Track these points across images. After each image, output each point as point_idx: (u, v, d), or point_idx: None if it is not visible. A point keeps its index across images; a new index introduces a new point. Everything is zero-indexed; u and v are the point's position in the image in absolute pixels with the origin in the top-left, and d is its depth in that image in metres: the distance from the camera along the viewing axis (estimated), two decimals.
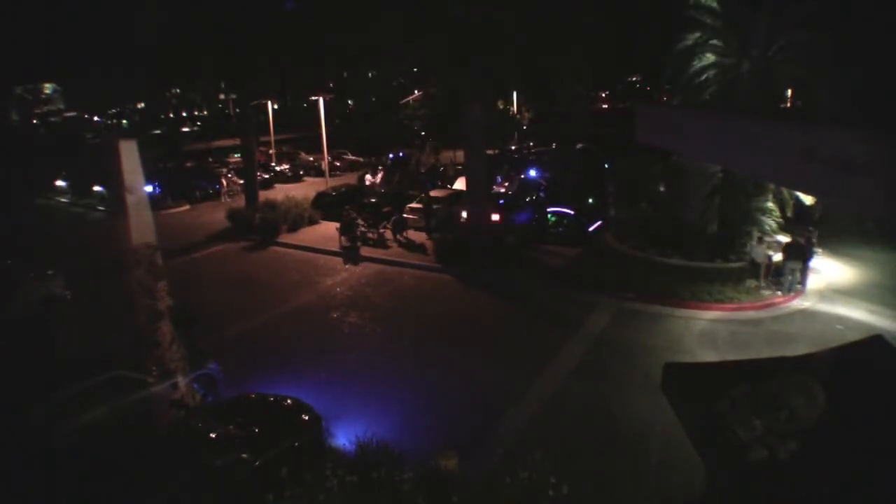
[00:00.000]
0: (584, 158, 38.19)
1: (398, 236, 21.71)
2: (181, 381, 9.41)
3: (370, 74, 41.45)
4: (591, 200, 24.63)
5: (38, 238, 24.42)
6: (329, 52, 25.73)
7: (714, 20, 17.21)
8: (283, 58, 25.11)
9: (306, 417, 9.03)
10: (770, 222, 17.73)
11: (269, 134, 44.09)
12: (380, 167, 37.56)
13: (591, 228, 21.81)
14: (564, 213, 22.12)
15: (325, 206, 26.49)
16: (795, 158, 10.18)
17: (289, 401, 9.42)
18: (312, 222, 25.33)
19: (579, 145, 44.29)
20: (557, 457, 7.69)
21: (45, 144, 52.98)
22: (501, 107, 59.99)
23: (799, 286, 15.67)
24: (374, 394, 11.17)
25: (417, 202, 24.65)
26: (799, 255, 15.42)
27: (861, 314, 14.29)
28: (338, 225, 22.22)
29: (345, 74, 41.85)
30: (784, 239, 17.02)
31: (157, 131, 59.43)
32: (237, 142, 34.87)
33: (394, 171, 35.67)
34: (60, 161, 38.85)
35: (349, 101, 63.75)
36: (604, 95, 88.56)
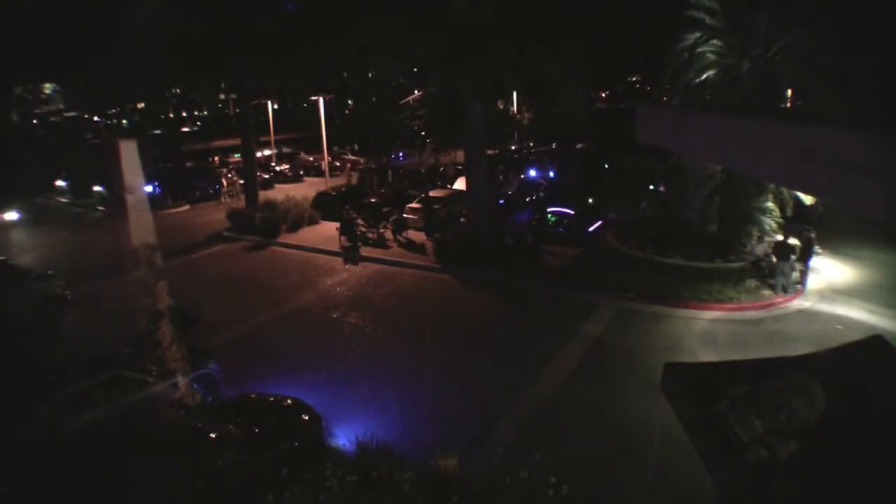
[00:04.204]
0: (584, 158, 38.25)
1: (398, 236, 21.71)
2: (181, 381, 9.41)
3: (370, 74, 41.41)
4: (591, 200, 24.65)
5: (38, 238, 24.46)
6: (329, 52, 25.74)
7: (714, 20, 17.21)
8: (283, 58, 25.12)
9: (306, 417, 9.03)
10: (770, 222, 17.73)
11: (269, 134, 44.11)
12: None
13: (591, 228, 21.81)
14: (564, 213, 22.13)
15: (325, 206, 26.50)
16: (796, 158, 10.18)
17: (289, 401, 9.43)
18: (312, 222, 25.34)
19: (579, 145, 44.34)
20: (557, 457, 7.70)
21: (45, 144, 52.97)
22: (501, 107, 59.93)
23: (798, 286, 15.67)
24: (374, 394, 11.16)
25: (417, 202, 24.66)
26: (788, 255, 15.38)
27: (861, 314, 14.28)
28: (338, 225, 22.23)
29: (345, 74, 41.79)
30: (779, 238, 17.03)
31: (157, 131, 59.49)
32: (238, 141, 34.86)
33: (375, 174, 36.39)
34: (60, 161, 38.85)
35: (349, 101, 63.76)
36: (604, 95, 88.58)
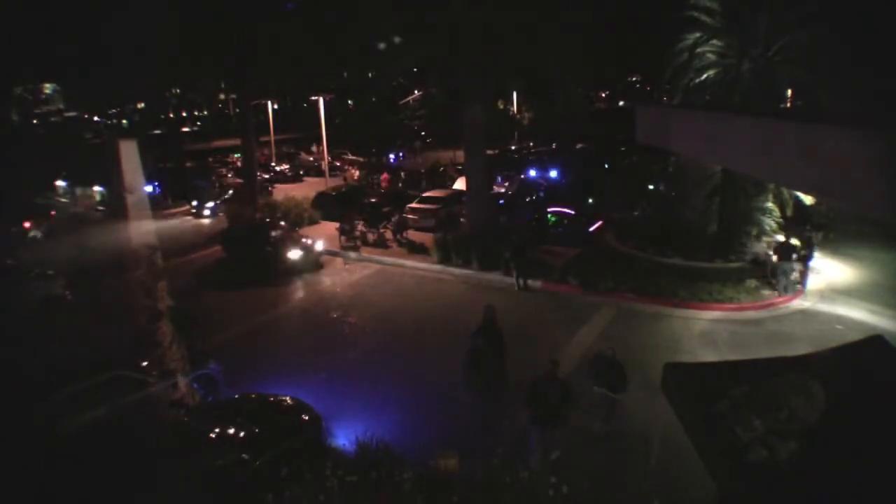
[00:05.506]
0: (584, 158, 38.29)
1: (398, 236, 21.71)
2: (181, 381, 9.42)
3: (370, 74, 41.49)
4: (591, 200, 24.65)
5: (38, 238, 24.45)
6: (329, 52, 25.78)
7: (714, 20, 17.21)
8: (283, 58, 25.15)
9: (306, 417, 9.04)
10: (770, 222, 17.73)
11: (269, 134, 44.11)
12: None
13: (591, 228, 21.80)
14: (564, 213, 22.13)
15: (325, 206, 26.52)
16: (795, 158, 10.18)
17: (289, 401, 9.43)
18: (312, 222, 25.35)
19: (579, 145, 44.38)
20: (557, 456, 7.69)
21: (45, 144, 52.93)
22: (501, 107, 60.03)
23: (799, 286, 15.67)
24: (374, 394, 11.16)
25: (418, 202, 24.68)
26: (790, 255, 15.39)
27: (861, 314, 14.28)
28: (338, 225, 22.24)
29: (345, 74, 41.86)
30: (781, 239, 17.02)
31: (157, 131, 59.51)
32: (238, 141, 34.91)
33: (375, 174, 36.92)
34: (60, 161, 38.81)
35: (349, 102, 63.81)
36: (604, 96, 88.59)
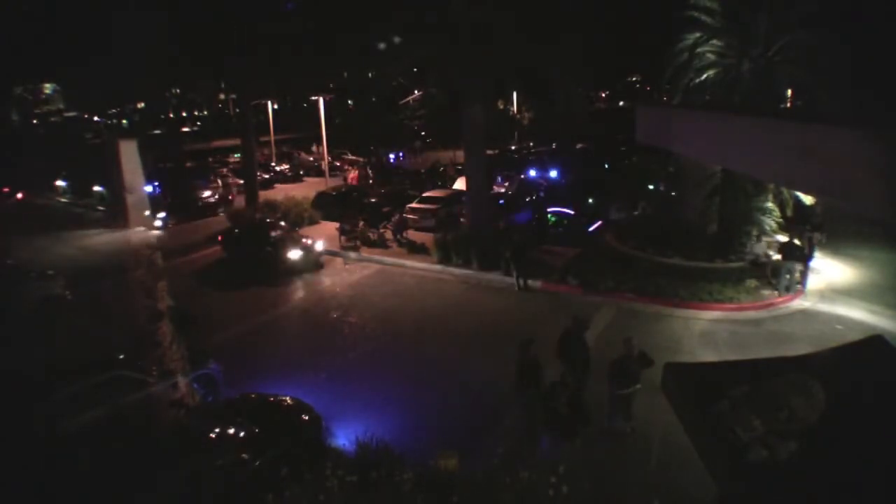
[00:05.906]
0: (584, 158, 38.31)
1: (398, 236, 21.72)
2: (181, 381, 9.41)
3: (370, 74, 41.54)
4: (591, 200, 24.65)
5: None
6: (329, 52, 25.83)
7: (714, 20, 17.21)
8: (284, 58, 25.18)
9: (306, 417, 9.03)
10: (770, 222, 17.73)
11: (269, 134, 44.11)
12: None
13: (591, 228, 21.80)
14: (564, 213, 22.13)
15: (325, 206, 26.52)
16: (795, 158, 10.19)
17: (289, 401, 9.43)
18: (312, 222, 25.36)
19: (579, 145, 44.39)
20: (557, 456, 7.69)
21: (45, 145, 52.95)
22: (501, 107, 60.10)
23: (799, 286, 15.67)
24: (374, 394, 11.16)
25: (418, 202, 24.68)
26: (795, 255, 15.40)
27: (861, 314, 14.27)
28: (338, 225, 22.25)
29: (345, 74, 41.95)
30: (784, 239, 17.02)
31: (157, 131, 59.49)
32: (238, 141, 34.91)
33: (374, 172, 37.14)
34: (60, 161, 38.84)
35: (349, 102, 63.88)
36: (604, 95, 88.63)
